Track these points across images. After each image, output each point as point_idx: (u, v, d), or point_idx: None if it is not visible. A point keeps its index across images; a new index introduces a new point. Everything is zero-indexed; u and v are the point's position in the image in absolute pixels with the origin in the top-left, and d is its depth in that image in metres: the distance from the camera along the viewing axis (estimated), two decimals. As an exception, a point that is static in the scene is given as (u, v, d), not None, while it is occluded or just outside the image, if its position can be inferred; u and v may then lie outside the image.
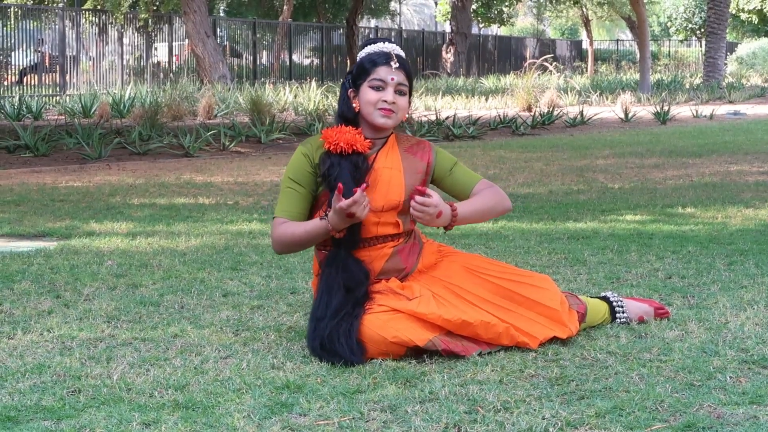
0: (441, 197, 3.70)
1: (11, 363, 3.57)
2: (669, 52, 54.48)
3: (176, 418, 3.02)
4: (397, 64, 3.82)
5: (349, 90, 3.85)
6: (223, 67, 23.19)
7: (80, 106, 18.45)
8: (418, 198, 3.63)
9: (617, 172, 10.17)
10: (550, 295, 3.81)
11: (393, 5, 48.07)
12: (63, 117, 17.75)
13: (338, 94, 3.97)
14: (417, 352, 3.63)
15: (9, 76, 25.54)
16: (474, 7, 42.43)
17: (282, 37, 33.34)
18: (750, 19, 50.25)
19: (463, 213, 3.77)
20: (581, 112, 18.61)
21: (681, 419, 2.99)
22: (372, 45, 3.89)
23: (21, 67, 26.39)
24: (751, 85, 33.27)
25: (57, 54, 26.03)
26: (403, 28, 49.73)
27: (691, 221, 6.92)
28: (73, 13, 27.00)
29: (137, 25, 28.03)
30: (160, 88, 21.62)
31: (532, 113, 18.69)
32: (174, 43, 30.22)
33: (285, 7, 35.99)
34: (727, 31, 36.30)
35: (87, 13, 27.80)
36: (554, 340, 3.79)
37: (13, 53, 25.72)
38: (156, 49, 29.44)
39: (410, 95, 3.89)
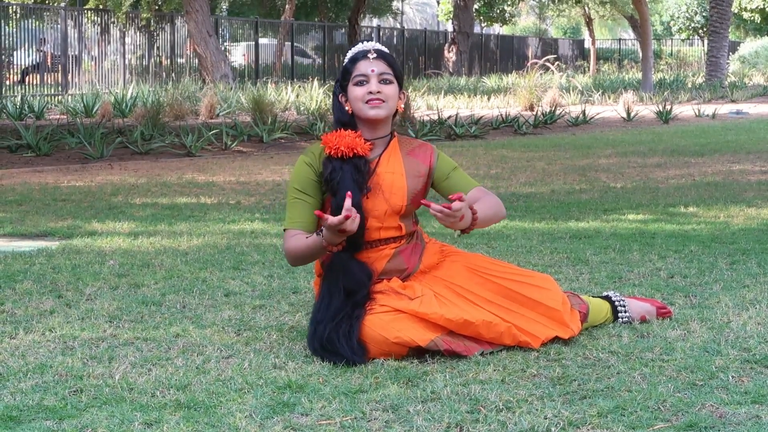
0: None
1: (13, 363, 3.57)
2: (671, 51, 54.47)
3: (178, 417, 3.02)
4: (375, 55, 3.83)
5: (340, 95, 3.86)
6: (225, 67, 23.19)
7: (82, 105, 18.45)
8: (444, 210, 3.58)
9: (619, 172, 10.17)
10: (551, 295, 3.81)
11: (395, 4, 48.08)
12: (65, 116, 17.76)
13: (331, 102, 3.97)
14: (419, 352, 3.62)
15: (11, 76, 25.54)
16: (476, 6, 42.44)
17: (284, 36, 33.34)
18: (752, 18, 50.22)
19: (481, 218, 3.75)
20: (583, 112, 18.61)
21: (683, 419, 2.99)
22: (352, 48, 3.92)
23: (23, 67, 26.38)
24: (754, 84, 33.25)
25: (59, 53, 26.03)
26: (406, 27, 49.71)
27: (694, 221, 6.91)
28: (75, 13, 27.00)
29: (139, 25, 28.03)
30: (162, 87, 21.61)
31: (535, 112, 18.69)
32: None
33: (287, 6, 35.98)
34: (730, 30, 36.26)
35: (89, 12, 27.80)
36: (556, 339, 3.79)
37: (15, 53, 25.71)
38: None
39: (400, 85, 3.87)
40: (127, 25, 27.70)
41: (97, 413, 3.05)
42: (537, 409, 3.07)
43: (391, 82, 3.83)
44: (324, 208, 3.81)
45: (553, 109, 18.75)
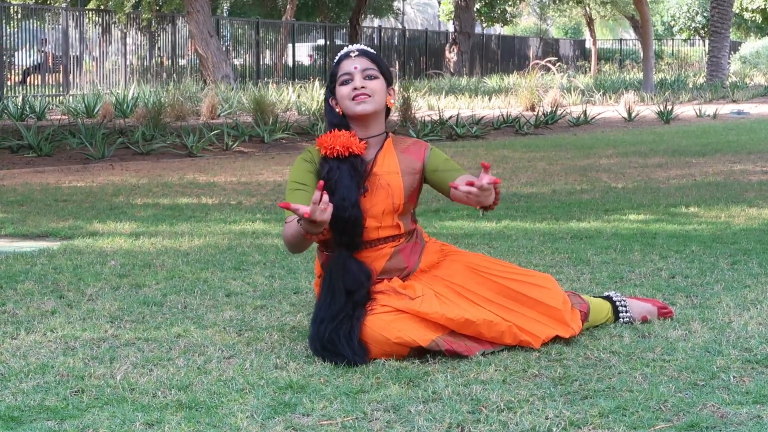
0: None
1: (14, 363, 3.58)
2: (672, 51, 54.47)
3: (179, 418, 3.02)
4: (357, 53, 3.87)
5: (330, 99, 3.88)
6: (226, 67, 23.20)
7: (83, 106, 18.46)
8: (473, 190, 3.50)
9: (620, 172, 10.16)
10: (552, 294, 3.81)
11: (396, 5, 48.07)
12: (66, 117, 17.77)
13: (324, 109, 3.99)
14: (420, 352, 3.63)
15: (12, 76, 25.53)
16: (477, 6, 42.43)
17: (285, 36, 33.35)
18: (753, 18, 50.22)
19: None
20: (584, 112, 18.61)
21: (684, 419, 2.99)
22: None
23: (24, 67, 26.39)
24: (755, 84, 33.25)
25: (60, 54, 26.03)
26: (407, 27, 49.69)
27: (695, 221, 6.91)
28: (77, 13, 27.00)
29: (140, 25, 28.03)
30: (163, 88, 21.62)
31: (536, 113, 18.68)
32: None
33: (288, 6, 35.99)
34: (731, 30, 36.25)
35: (90, 12, 27.79)
36: (557, 339, 3.79)
37: (16, 53, 25.71)
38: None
39: (388, 81, 3.88)
40: (129, 26, 27.70)
41: (98, 414, 3.05)
42: (538, 410, 3.07)
43: (376, 78, 3.84)
44: None
45: (554, 109, 18.74)
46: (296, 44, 31.83)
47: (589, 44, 53.79)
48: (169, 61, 29.00)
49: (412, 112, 16.98)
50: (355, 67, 3.83)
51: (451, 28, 44.93)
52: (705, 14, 49.56)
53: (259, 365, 3.55)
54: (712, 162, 11.12)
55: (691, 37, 54.46)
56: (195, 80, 23.79)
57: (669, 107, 19.33)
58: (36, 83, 25.74)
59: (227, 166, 11.24)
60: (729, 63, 34.74)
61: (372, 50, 3.95)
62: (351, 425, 2.98)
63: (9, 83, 24.52)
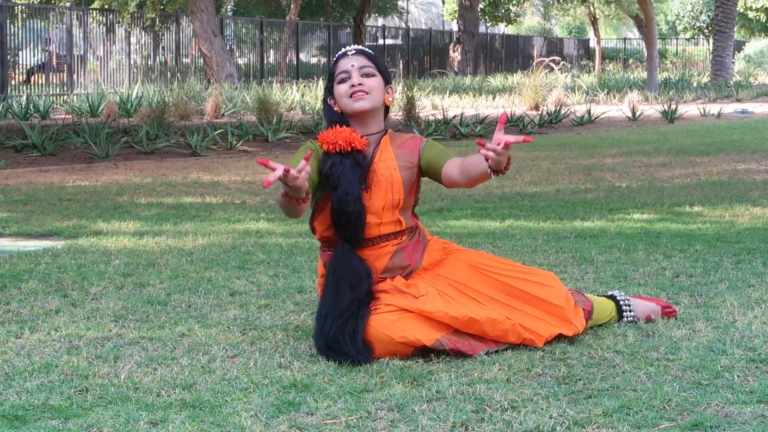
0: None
1: (19, 362, 3.58)
2: (676, 50, 54.39)
3: (183, 417, 3.02)
4: (353, 51, 3.89)
5: (329, 99, 3.91)
6: (230, 66, 23.21)
7: (87, 105, 18.47)
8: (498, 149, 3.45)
9: (624, 171, 10.16)
10: (555, 292, 3.81)
11: (400, 4, 48.04)
12: (70, 116, 17.76)
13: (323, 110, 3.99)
14: (424, 352, 3.63)
15: (16, 76, 25.56)
16: (481, 5, 42.42)
17: (289, 36, 33.35)
18: (758, 17, 50.16)
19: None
20: (588, 111, 18.59)
21: (688, 418, 2.99)
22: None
23: (28, 67, 26.42)
24: (759, 84, 33.22)
25: (64, 53, 26.05)
26: (411, 26, 49.67)
27: (699, 220, 6.91)
28: (80, 13, 27.02)
29: (144, 24, 28.05)
30: (167, 87, 21.62)
31: (540, 112, 18.67)
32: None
33: (292, 5, 35.99)
34: (735, 29, 36.22)
35: (94, 12, 27.83)
36: (561, 339, 3.79)
37: (20, 52, 25.74)
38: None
39: (386, 79, 3.89)
40: (132, 25, 27.72)
41: (102, 413, 3.06)
42: (542, 409, 3.07)
43: (373, 75, 3.86)
44: (319, 208, 3.83)
45: (558, 108, 18.73)
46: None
47: (593, 43, 53.73)
48: (173, 60, 29.02)
49: (416, 111, 16.98)
50: (352, 65, 3.85)
51: (455, 27, 44.88)
52: (709, 13, 49.51)
53: (263, 364, 3.55)
54: (716, 161, 11.11)
55: (696, 37, 54.39)
56: (199, 79, 23.79)
57: (673, 106, 19.31)
58: (40, 82, 25.77)
59: (231, 165, 11.25)
60: (733, 62, 34.70)
61: (368, 49, 3.97)
62: (355, 424, 2.98)
63: (13, 82, 24.54)
